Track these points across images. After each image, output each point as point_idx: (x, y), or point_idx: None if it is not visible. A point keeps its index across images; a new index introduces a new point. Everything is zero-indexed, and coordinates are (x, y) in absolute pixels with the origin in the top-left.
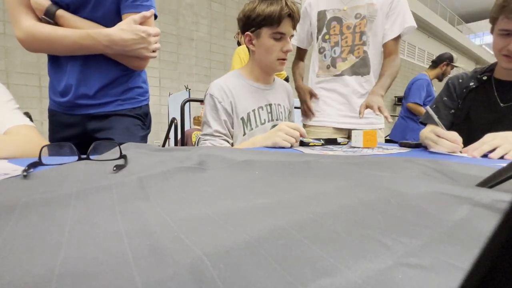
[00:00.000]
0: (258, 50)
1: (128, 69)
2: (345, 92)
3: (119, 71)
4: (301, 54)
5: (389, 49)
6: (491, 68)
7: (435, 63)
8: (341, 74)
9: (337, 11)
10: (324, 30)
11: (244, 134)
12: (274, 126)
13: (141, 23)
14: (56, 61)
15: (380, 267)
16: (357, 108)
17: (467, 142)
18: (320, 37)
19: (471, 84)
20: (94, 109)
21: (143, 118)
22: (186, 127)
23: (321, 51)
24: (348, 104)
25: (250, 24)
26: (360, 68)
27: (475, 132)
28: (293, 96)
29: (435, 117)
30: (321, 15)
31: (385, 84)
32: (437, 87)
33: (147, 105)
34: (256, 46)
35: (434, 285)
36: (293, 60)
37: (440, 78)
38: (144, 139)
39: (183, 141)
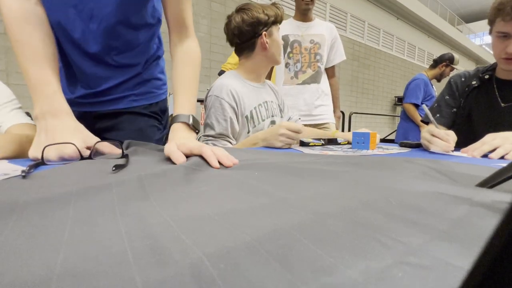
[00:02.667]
0: (272, 46)
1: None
2: (307, 97)
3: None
4: (270, 71)
5: (332, 72)
6: (493, 67)
7: (435, 63)
8: (303, 83)
9: (297, 36)
10: (288, 49)
11: (248, 131)
12: (272, 122)
13: None
14: (60, 52)
15: (380, 266)
16: (315, 107)
17: (467, 141)
18: (285, 55)
19: (473, 82)
20: (103, 106)
21: (160, 117)
22: None
23: (286, 65)
24: (308, 105)
25: (263, 25)
26: (317, 78)
27: (476, 132)
28: (280, 93)
29: (430, 115)
30: (285, 38)
31: (338, 104)
32: (438, 87)
33: (165, 99)
34: (269, 43)
35: (433, 284)
36: None
37: (438, 78)
38: (159, 142)
39: None
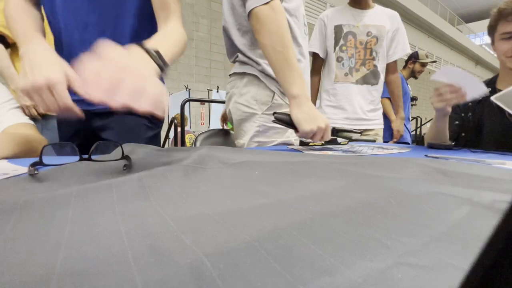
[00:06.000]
0: None
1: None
2: (359, 99)
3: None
4: (319, 65)
5: (393, 68)
6: (493, 80)
7: (405, 63)
8: (356, 83)
9: (352, 27)
10: (342, 42)
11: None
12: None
13: None
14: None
15: (380, 267)
16: (367, 112)
17: (477, 148)
18: (337, 47)
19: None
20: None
21: (151, 116)
22: (186, 127)
23: (339, 60)
24: (362, 108)
25: None
26: (371, 79)
27: (486, 137)
28: None
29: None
30: (338, 28)
31: (401, 103)
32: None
33: None
34: None
35: (433, 284)
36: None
37: (414, 76)
38: (152, 139)
39: (183, 141)
